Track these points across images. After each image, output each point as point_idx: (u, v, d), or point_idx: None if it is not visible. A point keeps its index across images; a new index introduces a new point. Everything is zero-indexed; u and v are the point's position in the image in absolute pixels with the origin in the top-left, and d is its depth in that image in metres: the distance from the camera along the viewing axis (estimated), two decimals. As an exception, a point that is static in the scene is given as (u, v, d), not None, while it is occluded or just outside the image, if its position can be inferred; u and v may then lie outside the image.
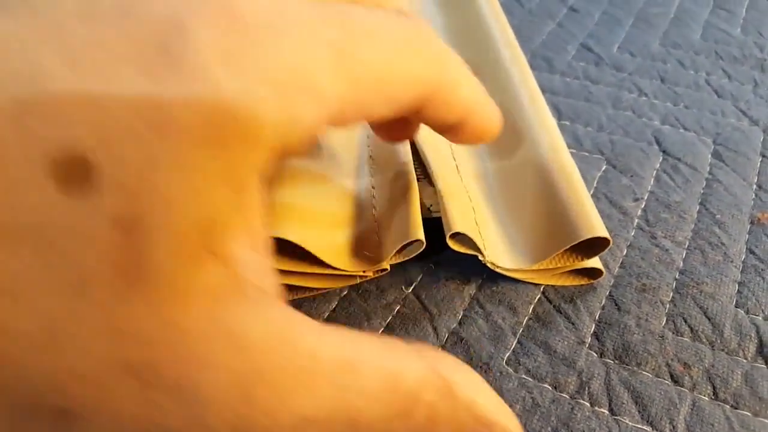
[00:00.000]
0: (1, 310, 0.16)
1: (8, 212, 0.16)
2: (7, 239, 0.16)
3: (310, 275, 0.36)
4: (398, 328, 0.37)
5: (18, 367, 0.17)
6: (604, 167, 0.48)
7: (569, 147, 0.49)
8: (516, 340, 0.36)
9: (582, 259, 0.37)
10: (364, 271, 0.36)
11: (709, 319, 0.37)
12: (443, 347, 0.36)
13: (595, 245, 0.37)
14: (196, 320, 0.18)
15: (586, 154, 0.49)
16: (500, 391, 0.33)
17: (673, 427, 0.32)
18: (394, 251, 0.35)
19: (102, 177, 0.16)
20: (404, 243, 0.35)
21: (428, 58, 0.25)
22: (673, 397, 0.33)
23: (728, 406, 0.33)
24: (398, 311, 0.38)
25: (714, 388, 0.34)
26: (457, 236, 0.36)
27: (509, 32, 0.55)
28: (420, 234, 0.35)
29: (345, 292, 0.39)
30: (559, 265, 0.38)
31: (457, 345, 0.36)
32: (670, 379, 0.34)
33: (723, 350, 0.36)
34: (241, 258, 0.19)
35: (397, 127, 0.33)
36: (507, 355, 0.35)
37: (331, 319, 0.37)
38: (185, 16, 0.18)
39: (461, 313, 0.38)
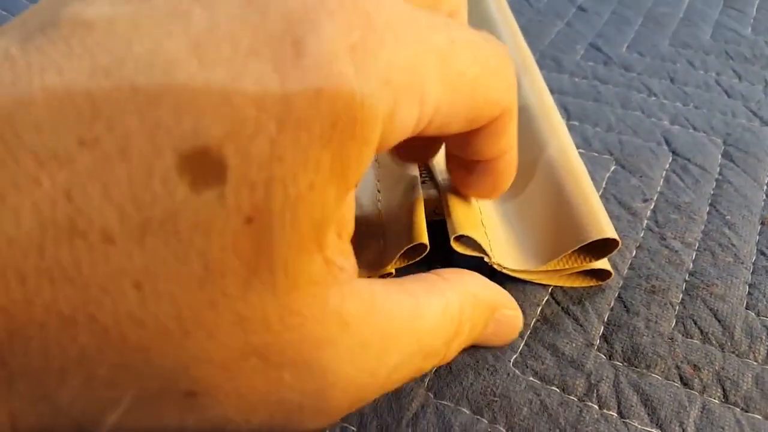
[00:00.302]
0: (131, 300, 0.17)
1: (137, 205, 0.16)
2: (136, 232, 0.16)
3: None
4: (404, 329, 0.36)
5: (148, 354, 0.17)
6: (613, 168, 0.47)
7: (578, 147, 0.49)
8: (523, 342, 0.36)
9: (590, 261, 0.37)
10: (369, 276, 0.36)
11: (719, 321, 0.37)
12: (450, 349, 0.35)
13: (604, 247, 0.36)
14: (309, 305, 0.19)
15: (595, 154, 0.49)
16: (507, 393, 0.33)
17: (683, 430, 0.32)
18: (398, 255, 0.35)
19: (229, 171, 0.17)
20: (408, 247, 0.35)
21: (509, 83, 0.25)
22: (682, 400, 0.33)
23: (738, 409, 0.33)
24: (404, 313, 0.37)
25: (724, 390, 0.34)
26: (462, 239, 0.36)
27: (518, 33, 0.54)
28: (424, 238, 0.35)
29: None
30: (567, 267, 0.37)
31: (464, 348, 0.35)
32: (679, 382, 0.34)
33: (733, 352, 0.35)
34: (331, 244, 0.20)
35: (420, 147, 0.33)
36: (514, 357, 0.35)
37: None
38: (315, 9, 0.18)
39: (468, 314, 0.37)
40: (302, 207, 0.18)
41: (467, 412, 0.32)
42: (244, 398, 0.19)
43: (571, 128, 0.51)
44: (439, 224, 0.37)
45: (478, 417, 0.32)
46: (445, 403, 0.33)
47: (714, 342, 0.36)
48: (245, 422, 0.20)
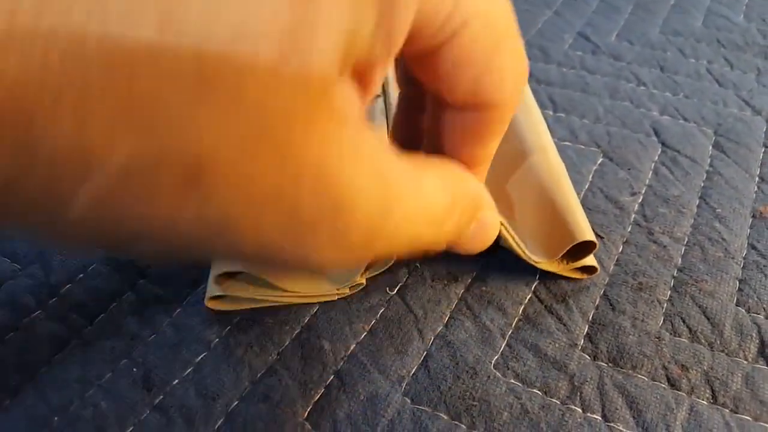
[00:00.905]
0: (150, 29, 0.15)
1: None
2: None
3: (289, 296, 0.36)
4: (381, 332, 0.35)
5: (156, 105, 0.15)
6: (600, 160, 0.46)
7: (564, 140, 0.47)
8: (505, 342, 0.35)
9: (571, 262, 0.36)
10: (338, 289, 0.36)
11: (708, 319, 0.36)
12: (428, 351, 0.34)
13: (584, 248, 0.36)
14: (338, 114, 0.18)
15: (582, 146, 0.47)
16: (487, 397, 0.32)
17: (670, 433, 0.31)
18: (365, 266, 0.34)
19: None
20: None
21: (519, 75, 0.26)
22: (669, 402, 0.32)
23: (727, 410, 0.32)
24: (382, 314, 0.36)
25: (713, 391, 0.32)
26: None
27: None
28: None
29: (327, 295, 0.37)
30: (553, 269, 0.36)
31: (443, 348, 0.34)
32: (666, 383, 0.33)
33: (723, 351, 0.34)
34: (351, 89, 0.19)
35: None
36: (495, 358, 0.34)
37: (312, 324, 0.36)
38: None
39: (448, 314, 0.36)
40: (340, 20, 0.17)
41: (445, 417, 0.31)
42: (254, 196, 0.17)
43: (557, 120, 0.50)
44: None
45: (456, 422, 0.31)
46: (423, 408, 0.32)
47: (703, 340, 0.35)
48: (252, 230, 0.18)
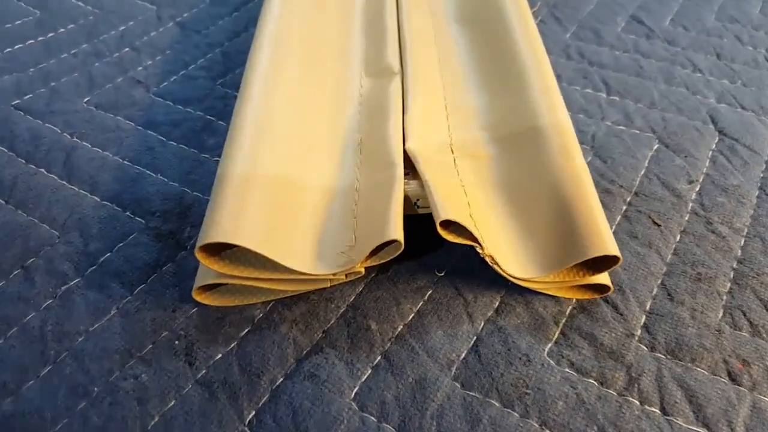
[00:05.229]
0: None
1: None
2: None
3: (280, 280, 0.33)
4: (430, 313, 0.34)
5: None
6: (656, 146, 0.44)
7: (618, 124, 0.46)
8: (559, 330, 0.33)
9: (591, 274, 0.34)
10: (334, 274, 0.33)
11: (771, 314, 0.34)
12: (479, 336, 0.33)
13: (605, 261, 0.33)
14: None
15: (637, 131, 0.46)
16: (541, 386, 0.31)
17: (732, 430, 0.29)
18: (368, 252, 0.32)
19: None
20: (379, 244, 0.32)
21: None
22: (731, 397, 0.30)
23: (793, 410, 0.30)
24: (430, 296, 0.35)
25: (776, 389, 0.31)
26: (450, 227, 0.33)
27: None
28: (397, 234, 0.32)
29: (373, 274, 0.36)
30: (567, 279, 0.34)
31: (494, 334, 0.33)
32: (727, 378, 0.31)
33: (787, 348, 0.33)
34: None
35: None
36: (549, 346, 0.32)
37: (357, 303, 0.35)
38: None
39: (498, 299, 0.35)
40: None
41: (497, 404, 0.30)
42: None
43: (611, 103, 0.48)
44: (428, 218, 0.34)
45: (509, 410, 0.30)
46: (474, 394, 0.30)
47: (764, 335, 0.33)
48: None
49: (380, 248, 0.33)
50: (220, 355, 0.32)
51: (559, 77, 0.51)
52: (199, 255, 0.31)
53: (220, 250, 0.33)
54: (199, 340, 0.33)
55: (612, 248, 0.32)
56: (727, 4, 0.61)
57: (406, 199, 0.35)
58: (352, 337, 0.33)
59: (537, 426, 0.29)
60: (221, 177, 0.34)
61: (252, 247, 0.31)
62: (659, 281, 0.36)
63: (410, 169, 0.37)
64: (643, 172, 0.42)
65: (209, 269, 0.33)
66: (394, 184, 0.35)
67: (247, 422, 0.29)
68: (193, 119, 0.47)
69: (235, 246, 0.32)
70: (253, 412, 0.30)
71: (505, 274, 0.33)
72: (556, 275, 0.34)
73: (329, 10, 0.52)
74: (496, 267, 0.33)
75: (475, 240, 0.32)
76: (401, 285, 0.35)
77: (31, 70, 0.52)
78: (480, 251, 0.33)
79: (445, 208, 0.32)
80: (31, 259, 0.37)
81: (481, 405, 0.30)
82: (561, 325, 0.33)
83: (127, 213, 0.40)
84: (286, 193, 0.35)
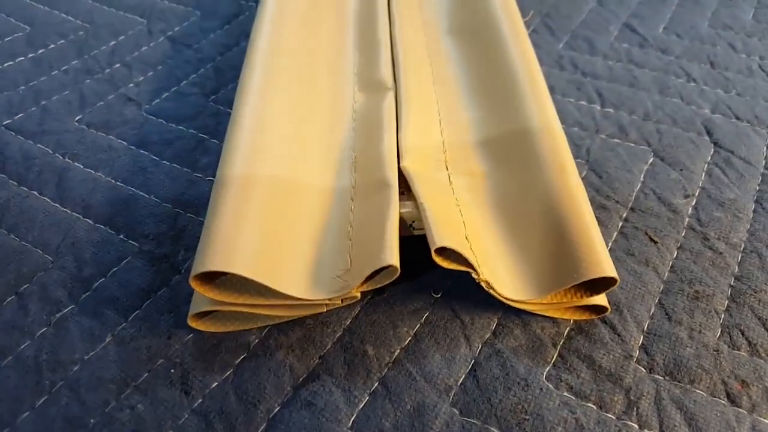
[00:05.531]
0: None
1: None
2: None
3: (275, 306, 0.33)
4: (427, 337, 0.34)
5: None
6: (651, 159, 0.44)
7: (613, 137, 0.46)
8: (557, 352, 0.33)
9: (588, 295, 0.34)
10: (330, 299, 0.33)
11: (768, 332, 0.34)
12: (476, 360, 0.33)
13: (603, 282, 0.33)
14: None
15: (632, 144, 0.46)
16: (540, 411, 0.30)
17: (731, 454, 0.29)
18: (364, 278, 0.32)
19: None
20: (375, 269, 0.31)
21: None
22: (730, 420, 0.30)
23: (792, 432, 0.30)
24: (426, 318, 0.35)
25: (775, 409, 0.31)
26: (445, 252, 0.33)
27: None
28: (393, 259, 0.31)
29: (369, 297, 0.36)
30: (564, 300, 0.34)
31: (492, 357, 0.33)
32: (726, 399, 0.31)
33: (785, 367, 0.32)
34: None
35: None
36: (547, 369, 0.32)
37: (354, 327, 0.34)
38: None
39: (495, 321, 0.34)
40: None
41: (496, 431, 0.30)
42: None
43: (605, 116, 0.48)
44: (424, 239, 0.33)
45: (508, 437, 0.30)
46: (472, 421, 0.30)
47: (763, 354, 0.33)
48: None
49: (377, 272, 0.32)
50: (216, 384, 0.32)
51: (552, 89, 0.51)
52: (193, 283, 0.31)
53: (215, 277, 0.32)
54: (195, 368, 0.32)
55: (609, 269, 0.32)
56: (720, 11, 0.61)
57: (402, 221, 0.35)
58: (349, 362, 0.33)
59: (536, 453, 0.29)
60: (218, 186, 0.35)
61: (247, 275, 0.31)
62: (657, 300, 0.35)
63: (405, 188, 0.37)
64: (639, 187, 0.42)
65: (204, 296, 0.33)
66: (390, 206, 0.34)
67: (244, 454, 0.29)
68: (186, 138, 0.47)
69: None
70: (251, 443, 0.30)
71: (501, 298, 0.33)
72: (553, 297, 0.34)
73: (322, 23, 0.52)
74: (492, 291, 0.33)
75: (470, 266, 0.32)
76: (398, 307, 0.35)
77: (22, 88, 0.52)
78: (475, 277, 0.32)
79: (441, 235, 0.32)
80: (25, 285, 0.36)
81: (480, 431, 0.30)
82: (559, 347, 0.33)
83: (121, 236, 0.39)
84: (282, 211, 0.35)
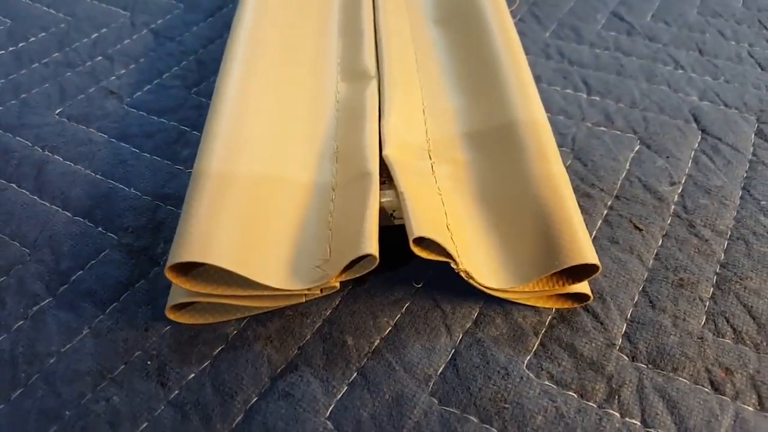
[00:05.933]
0: None
1: None
2: None
3: (254, 297, 0.33)
4: (407, 327, 0.33)
5: None
6: (637, 147, 0.44)
7: (599, 125, 0.45)
8: (538, 341, 0.33)
9: (570, 283, 0.33)
10: (309, 289, 0.32)
11: (753, 319, 0.34)
12: (457, 349, 0.32)
13: (585, 269, 0.33)
14: None
15: (618, 132, 0.45)
16: (520, 400, 0.30)
17: (714, 442, 0.29)
18: (343, 267, 0.31)
19: None
20: (354, 258, 0.31)
21: None
22: (713, 408, 0.30)
23: (776, 419, 0.30)
24: (407, 308, 0.34)
25: (759, 396, 0.30)
26: (423, 242, 0.32)
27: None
28: (373, 248, 0.31)
29: (350, 287, 0.35)
30: (546, 288, 0.33)
31: (473, 347, 0.32)
32: (710, 387, 0.31)
33: (770, 354, 0.32)
34: None
35: None
36: (528, 358, 0.32)
37: (334, 317, 0.34)
38: None
39: (477, 310, 0.34)
40: None
41: (475, 420, 0.29)
42: None
43: (591, 104, 0.47)
44: (405, 229, 0.33)
45: (487, 426, 0.29)
46: (451, 410, 0.30)
47: (748, 342, 0.33)
48: None
49: (356, 262, 0.32)
50: (192, 375, 0.31)
51: (538, 78, 0.50)
52: (169, 274, 0.30)
53: (192, 268, 0.32)
54: (171, 360, 0.32)
55: (591, 256, 0.32)
56: (709, -1, 0.61)
57: (382, 210, 0.34)
58: (328, 353, 0.32)
59: (516, 442, 0.29)
60: (196, 178, 0.34)
61: (223, 265, 0.30)
62: (640, 288, 0.35)
63: (387, 177, 0.36)
64: (624, 175, 0.42)
65: (182, 287, 0.32)
66: (370, 196, 0.34)
67: (219, 446, 0.29)
68: (167, 130, 0.46)
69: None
70: (226, 435, 0.29)
71: (481, 287, 0.33)
72: (535, 285, 0.33)
73: (305, 13, 0.51)
74: (471, 281, 0.32)
75: (449, 256, 0.32)
76: (378, 298, 0.35)
77: (1, 81, 0.51)
78: (454, 266, 0.32)
79: (419, 224, 0.31)
80: (2, 278, 0.36)
81: (459, 421, 0.29)
82: (540, 335, 0.33)
83: (99, 229, 0.39)
84: (261, 201, 0.34)
